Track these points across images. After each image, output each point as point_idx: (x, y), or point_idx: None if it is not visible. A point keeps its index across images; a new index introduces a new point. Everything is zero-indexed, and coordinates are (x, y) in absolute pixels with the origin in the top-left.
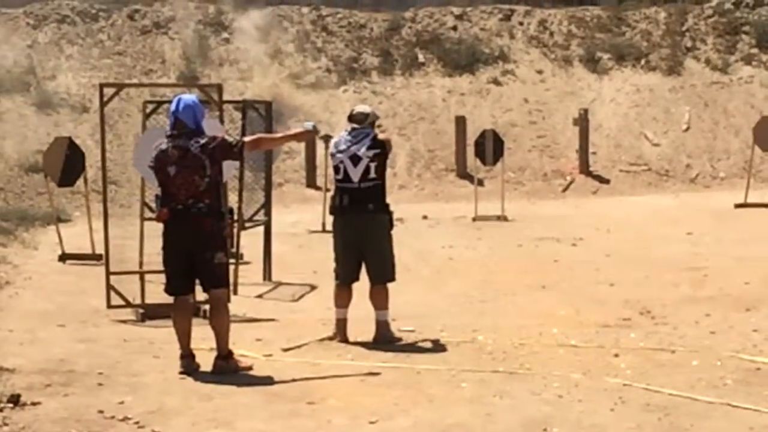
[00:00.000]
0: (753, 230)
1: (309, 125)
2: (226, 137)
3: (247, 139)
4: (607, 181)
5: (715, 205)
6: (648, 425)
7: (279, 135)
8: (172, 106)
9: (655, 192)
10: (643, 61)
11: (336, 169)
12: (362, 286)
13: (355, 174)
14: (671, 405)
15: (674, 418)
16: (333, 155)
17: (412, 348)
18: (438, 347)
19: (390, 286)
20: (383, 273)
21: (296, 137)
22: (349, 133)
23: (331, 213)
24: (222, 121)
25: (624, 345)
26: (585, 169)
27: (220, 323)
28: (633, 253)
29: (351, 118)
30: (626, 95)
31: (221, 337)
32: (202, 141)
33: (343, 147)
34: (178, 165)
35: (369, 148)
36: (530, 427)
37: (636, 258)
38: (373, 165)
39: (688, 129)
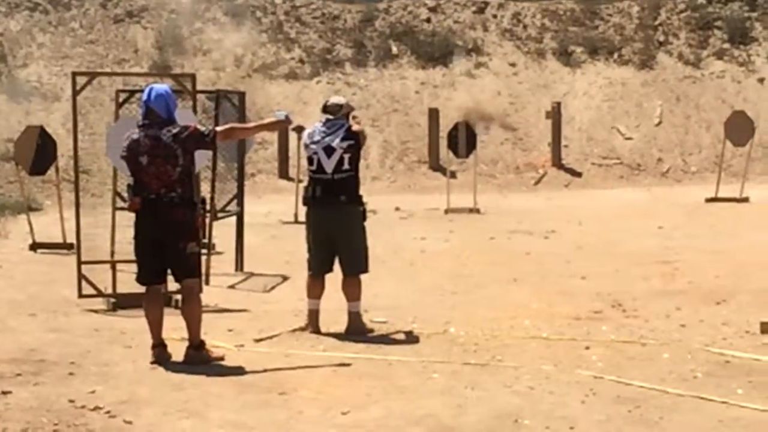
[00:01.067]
0: (723, 224)
1: (281, 114)
2: (199, 127)
3: (219, 128)
4: (579, 175)
5: (686, 199)
6: (618, 417)
7: (252, 125)
8: (144, 96)
9: (627, 186)
10: (615, 55)
11: (310, 160)
12: (335, 277)
13: (329, 165)
14: (642, 397)
15: (644, 411)
16: (307, 146)
17: (384, 339)
18: (410, 339)
19: (362, 277)
20: (356, 264)
21: (269, 127)
22: (324, 125)
23: (304, 204)
24: (195, 111)
25: (595, 338)
26: (557, 162)
27: (192, 313)
28: (604, 246)
29: (325, 109)
30: (599, 89)
31: (193, 327)
32: (175, 130)
33: (317, 138)
34: (150, 154)
35: (343, 139)
36: (501, 419)
37: (607, 251)
38: (346, 156)
39: (660, 123)
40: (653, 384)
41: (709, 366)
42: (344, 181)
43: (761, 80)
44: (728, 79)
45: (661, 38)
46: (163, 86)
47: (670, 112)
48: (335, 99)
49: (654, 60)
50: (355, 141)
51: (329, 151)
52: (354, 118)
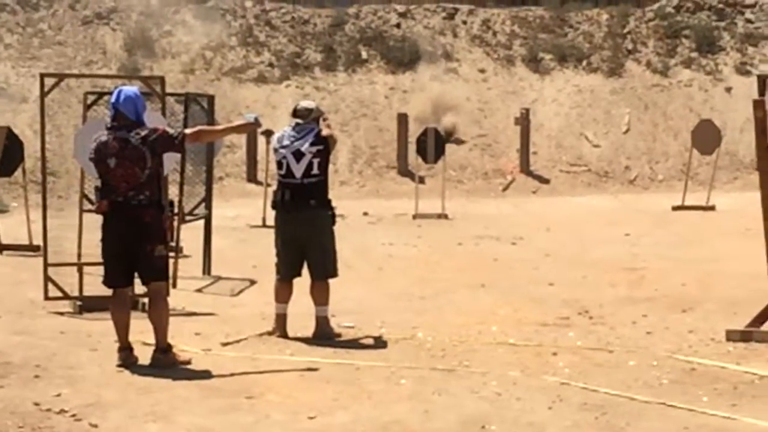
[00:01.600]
0: (690, 232)
1: (251, 117)
2: (167, 129)
3: (188, 131)
4: (547, 181)
5: (653, 206)
6: (585, 424)
7: (220, 127)
8: (113, 98)
9: (595, 193)
10: (584, 63)
11: (279, 165)
12: (303, 281)
13: (298, 170)
14: (608, 404)
15: (611, 417)
16: (276, 150)
17: (352, 344)
18: (377, 344)
19: (330, 282)
20: (324, 269)
21: (238, 129)
22: (293, 129)
23: (273, 208)
24: (164, 114)
25: (562, 344)
26: (525, 168)
27: (159, 316)
28: (572, 253)
29: (295, 113)
30: (567, 96)
31: (160, 330)
32: (143, 133)
33: (286, 142)
34: (119, 157)
35: (312, 144)
36: (468, 425)
37: (575, 258)
38: (315, 161)
39: (627, 131)
40: (620, 391)
41: (675, 373)
42: (313, 186)
43: (728, 89)
44: (696, 87)
45: (630, 46)
46: (131, 88)
47: (637, 120)
48: (305, 103)
49: (622, 68)
50: (325, 146)
51: (298, 155)
52: (324, 120)
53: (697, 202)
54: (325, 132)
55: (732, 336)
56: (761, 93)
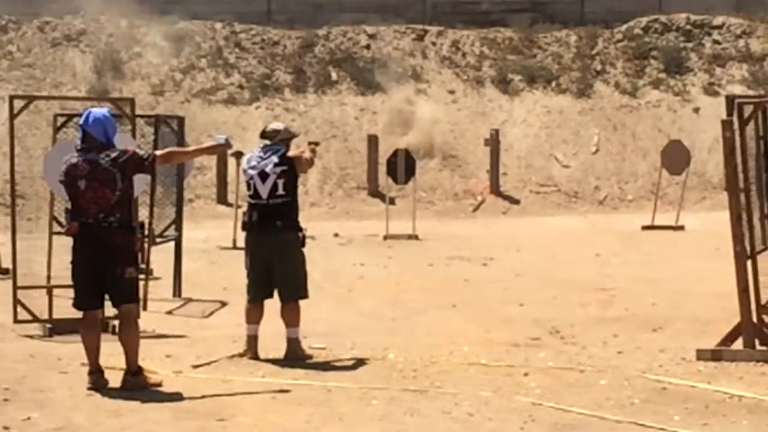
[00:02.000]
0: (659, 252)
1: (221, 138)
2: (138, 151)
3: (158, 152)
4: (517, 202)
5: (622, 226)
6: None
7: (191, 148)
8: (82, 120)
9: (565, 213)
10: (553, 84)
11: (247, 185)
12: (274, 303)
13: (264, 190)
14: (580, 424)
15: None
16: (245, 171)
17: (323, 366)
18: (349, 365)
19: (301, 303)
20: (293, 290)
21: (208, 150)
22: (261, 150)
23: (242, 229)
24: (134, 136)
25: (533, 364)
26: (495, 189)
27: (130, 339)
28: (542, 273)
29: (263, 134)
30: (537, 117)
31: (131, 352)
32: (113, 154)
33: (253, 163)
34: (88, 178)
35: (276, 165)
36: None
37: (545, 278)
38: (280, 182)
39: (597, 151)
40: (591, 410)
41: (646, 392)
42: (279, 207)
43: (696, 110)
44: (664, 108)
45: (599, 67)
46: (101, 110)
47: (607, 141)
48: (273, 125)
49: (591, 89)
50: (289, 166)
51: (263, 176)
52: (310, 145)
53: (667, 222)
54: (291, 153)
55: (702, 355)
56: (729, 113)
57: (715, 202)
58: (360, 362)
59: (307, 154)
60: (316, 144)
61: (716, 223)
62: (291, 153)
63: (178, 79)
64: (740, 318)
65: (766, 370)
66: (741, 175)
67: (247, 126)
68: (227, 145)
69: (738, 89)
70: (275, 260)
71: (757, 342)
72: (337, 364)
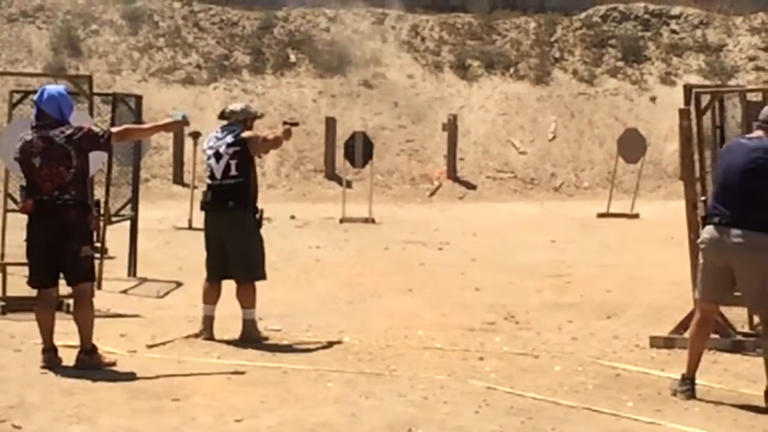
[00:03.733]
0: (614, 239)
1: (178, 115)
2: (93, 128)
3: (114, 129)
4: (473, 187)
5: (578, 214)
6: (511, 428)
7: (148, 125)
8: (36, 97)
9: (521, 199)
10: (512, 70)
11: (207, 165)
12: (231, 284)
13: (218, 170)
14: (534, 408)
15: (537, 422)
16: (204, 151)
17: (279, 347)
18: (304, 347)
19: (257, 285)
20: (248, 271)
21: (166, 127)
22: (220, 130)
23: (200, 209)
24: (92, 114)
25: (488, 349)
26: (452, 174)
27: (84, 317)
28: (498, 258)
29: (221, 115)
30: (495, 103)
31: (85, 331)
32: (68, 132)
33: (211, 143)
34: (43, 156)
35: (229, 145)
36: (395, 428)
37: (501, 264)
38: (233, 162)
39: (554, 138)
40: (545, 395)
41: (600, 378)
42: (232, 187)
43: (653, 99)
44: (621, 96)
45: (557, 54)
46: (56, 87)
47: (564, 128)
48: (232, 105)
49: (549, 76)
50: (242, 147)
51: (218, 156)
52: (286, 124)
53: (622, 210)
54: (245, 134)
55: (656, 342)
56: (687, 102)
57: (670, 191)
58: (316, 345)
59: (271, 135)
60: (294, 124)
61: (671, 212)
62: (245, 134)
63: (135, 57)
64: (693, 306)
65: (717, 358)
66: (697, 164)
67: (204, 106)
68: (184, 121)
69: (694, 79)
70: (227, 240)
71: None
72: (293, 346)
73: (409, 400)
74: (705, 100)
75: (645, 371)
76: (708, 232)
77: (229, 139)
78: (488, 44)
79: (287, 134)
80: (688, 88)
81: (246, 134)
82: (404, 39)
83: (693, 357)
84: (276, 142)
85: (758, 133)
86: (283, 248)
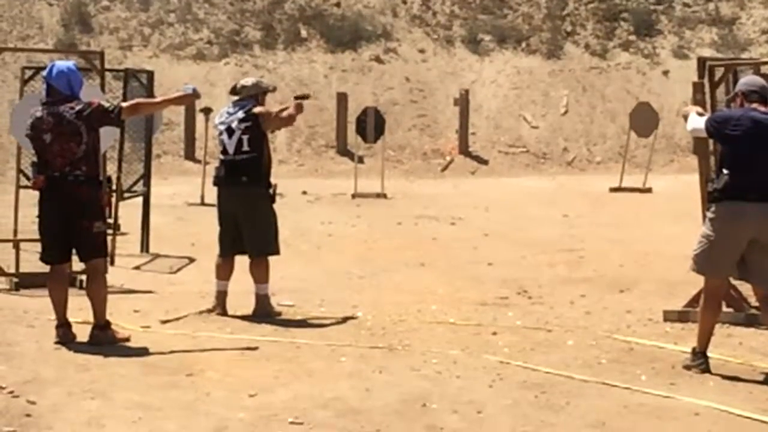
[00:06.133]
0: (627, 214)
1: (189, 88)
2: (103, 102)
3: (124, 104)
4: (485, 162)
5: (590, 188)
6: (525, 402)
7: (158, 99)
8: (45, 73)
9: (533, 174)
10: (523, 44)
11: (219, 141)
12: (244, 259)
13: (231, 146)
14: (548, 383)
15: (550, 396)
16: (215, 126)
17: (292, 323)
18: (317, 322)
19: (270, 260)
20: (261, 246)
21: (176, 101)
22: (232, 105)
23: (213, 184)
24: (103, 90)
25: (502, 323)
26: (464, 149)
27: (98, 293)
28: (510, 233)
29: (233, 90)
30: (506, 77)
31: (98, 307)
32: (78, 107)
33: (223, 119)
34: (54, 132)
35: (241, 120)
36: (409, 403)
37: (513, 238)
38: (245, 138)
39: (566, 113)
40: (559, 370)
41: (614, 353)
42: (245, 162)
43: (666, 72)
44: (633, 70)
45: (569, 28)
46: (65, 63)
47: (576, 102)
48: (243, 80)
49: (561, 50)
50: (254, 122)
51: (230, 132)
52: (297, 98)
53: (634, 185)
54: (257, 109)
55: (669, 316)
56: (701, 76)
57: (682, 165)
58: (329, 320)
59: (285, 113)
60: (305, 97)
61: (683, 186)
62: (257, 109)
63: (146, 33)
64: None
65: (732, 331)
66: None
67: (215, 82)
68: (195, 95)
69: (707, 52)
70: (241, 215)
71: (723, 304)
72: (306, 321)
73: (422, 374)
74: (718, 73)
75: (659, 345)
76: (731, 205)
77: (241, 114)
78: (500, 18)
79: (299, 108)
80: (702, 61)
81: (258, 109)
82: (415, 13)
83: (703, 332)
84: (289, 120)
85: (762, 108)
86: (296, 224)
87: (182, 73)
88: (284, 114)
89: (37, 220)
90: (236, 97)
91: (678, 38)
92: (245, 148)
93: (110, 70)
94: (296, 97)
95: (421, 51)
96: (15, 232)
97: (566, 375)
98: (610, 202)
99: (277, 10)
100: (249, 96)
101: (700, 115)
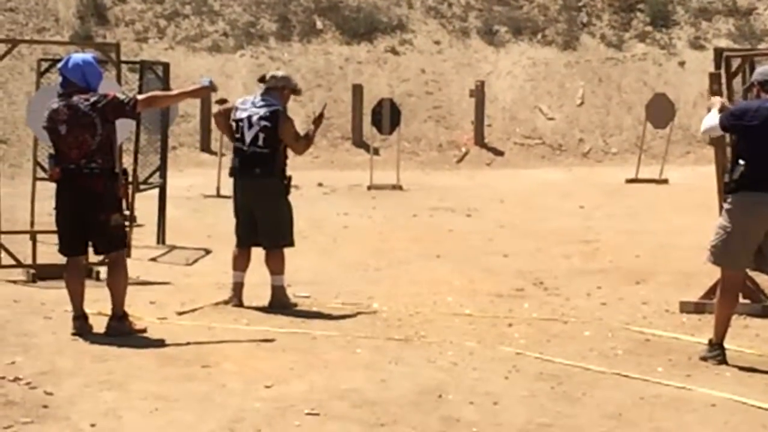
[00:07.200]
0: (643, 205)
1: (205, 81)
2: (118, 95)
3: (140, 96)
4: (501, 154)
5: (606, 179)
6: (541, 393)
7: (174, 92)
8: (61, 65)
9: (549, 165)
10: (539, 35)
11: (236, 127)
12: (260, 251)
13: (248, 137)
14: (564, 374)
15: (567, 387)
16: (236, 109)
17: (308, 314)
18: (334, 314)
19: (285, 252)
20: (276, 238)
21: (192, 94)
22: (261, 97)
23: (229, 175)
24: (119, 82)
25: (517, 315)
26: (480, 140)
27: (118, 284)
28: (526, 224)
29: (261, 78)
30: (522, 68)
31: (117, 297)
32: (93, 99)
33: (247, 106)
34: (69, 124)
35: (262, 118)
36: (425, 394)
37: (529, 230)
38: (262, 135)
39: (582, 104)
40: (575, 361)
41: (630, 344)
42: (259, 156)
43: (682, 63)
44: (650, 61)
45: (585, 19)
46: (81, 55)
47: (592, 93)
48: (275, 71)
49: (577, 41)
50: (273, 124)
51: (249, 123)
52: (316, 120)
53: (651, 176)
54: (283, 119)
55: (685, 308)
56: (718, 66)
57: (698, 157)
58: (344, 311)
59: (304, 142)
60: (321, 115)
61: (700, 177)
62: (283, 119)
63: (162, 25)
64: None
65: (748, 322)
66: None
67: (231, 74)
68: (211, 87)
69: (723, 43)
70: (255, 207)
71: (740, 295)
72: (322, 312)
73: (438, 366)
74: (735, 63)
75: (675, 336)
76: (749, 196)
77: (265, 112)
78: (515, 9)
79: (318, 125)
80: (718, 52)
81: (283, 119)
82: (431, 5)
83: (720, 323)
84: (308, 143)
85: None
86: (311, 215)
87: (198, 65)
88: (306, 136)
89: (54, 211)
90: (263, 85)
91: (694, 29)
92: (260, 143)
93: (126, 62)
94: (314, 121)
95: (437, 42)
96: (32, 223)
97: (582, 366)
98: (627, 193)
99: (293, 2)
100: (275, 88)
101: (724, 107)
